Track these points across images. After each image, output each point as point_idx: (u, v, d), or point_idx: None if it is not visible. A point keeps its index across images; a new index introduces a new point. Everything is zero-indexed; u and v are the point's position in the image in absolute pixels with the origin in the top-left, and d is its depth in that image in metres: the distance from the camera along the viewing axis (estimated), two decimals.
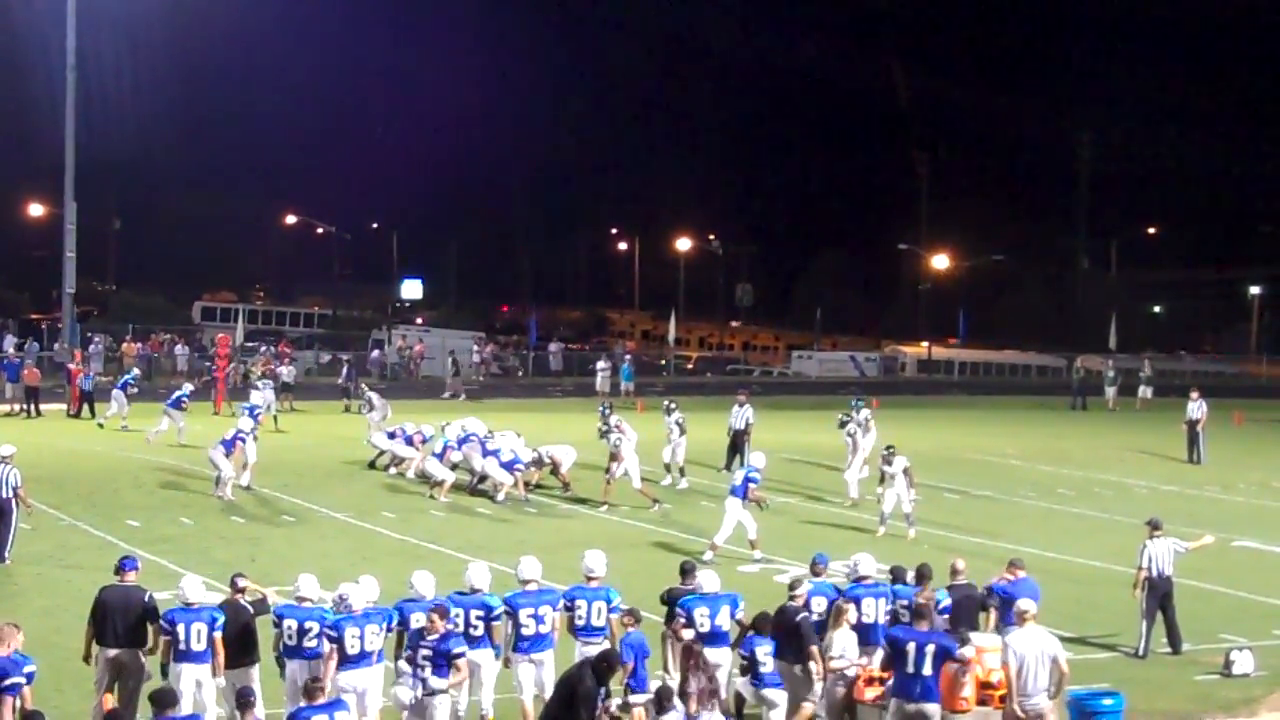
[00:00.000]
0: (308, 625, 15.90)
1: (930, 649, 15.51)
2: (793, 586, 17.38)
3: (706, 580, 17.24)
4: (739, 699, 16.68)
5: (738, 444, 37.87)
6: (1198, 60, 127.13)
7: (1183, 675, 19.95)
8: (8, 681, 14.04)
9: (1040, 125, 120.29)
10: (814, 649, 16.44)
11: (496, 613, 16.58)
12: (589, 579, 17.41)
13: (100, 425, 44.83)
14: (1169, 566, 21.14)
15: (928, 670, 15.48)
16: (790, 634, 16.62)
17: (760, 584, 23.98)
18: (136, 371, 50.56)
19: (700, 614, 16.82)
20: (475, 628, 16.52)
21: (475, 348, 79.28)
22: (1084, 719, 16.41)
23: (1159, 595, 21.02)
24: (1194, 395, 43.99)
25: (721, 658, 16.80)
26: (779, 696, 16.22)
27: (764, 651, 16.27)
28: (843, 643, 16.23)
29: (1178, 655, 20.86)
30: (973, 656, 15.98)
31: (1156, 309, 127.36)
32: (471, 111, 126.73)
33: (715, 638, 16.81)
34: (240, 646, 16.19)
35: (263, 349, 65.01)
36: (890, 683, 15.85)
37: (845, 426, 35.84)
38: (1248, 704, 18.83)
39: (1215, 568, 25.76)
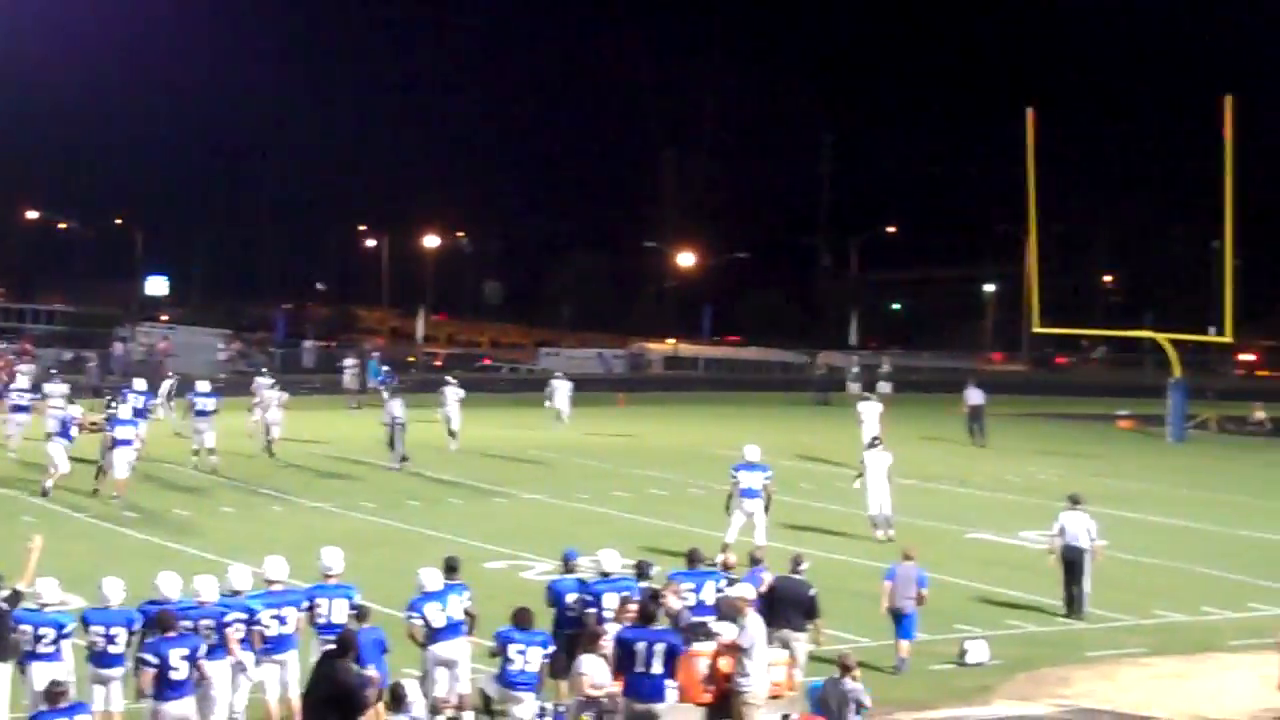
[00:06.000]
0: (42, 631, 15.51)
1: (660, 648, 15.66)
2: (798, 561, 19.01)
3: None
4: (484, 697, 16.58)
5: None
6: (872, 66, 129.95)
7: (918, 665, 20.25)
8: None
9: (784, 125, 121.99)
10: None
11: (257, 617, 16.25)
12: (327, 576, 17.22)
13: None
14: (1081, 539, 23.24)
15: (657, 669, 15.62)
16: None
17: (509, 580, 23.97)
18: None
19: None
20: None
21: (221, 345, 78.04)
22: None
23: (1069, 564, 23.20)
24: (971, 384, 48.90)
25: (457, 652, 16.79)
26: (528, 697, 16.01)
27: (516, 649, 15.98)
28: (591, 667, 15.59)
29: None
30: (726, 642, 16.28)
31: (896, 306, 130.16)
32: (214, 103, 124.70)
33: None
34: None
35: (1, 346, 63.24)
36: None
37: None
38: (981, 692, 19.34)
39: (949, 559, 26.51)
